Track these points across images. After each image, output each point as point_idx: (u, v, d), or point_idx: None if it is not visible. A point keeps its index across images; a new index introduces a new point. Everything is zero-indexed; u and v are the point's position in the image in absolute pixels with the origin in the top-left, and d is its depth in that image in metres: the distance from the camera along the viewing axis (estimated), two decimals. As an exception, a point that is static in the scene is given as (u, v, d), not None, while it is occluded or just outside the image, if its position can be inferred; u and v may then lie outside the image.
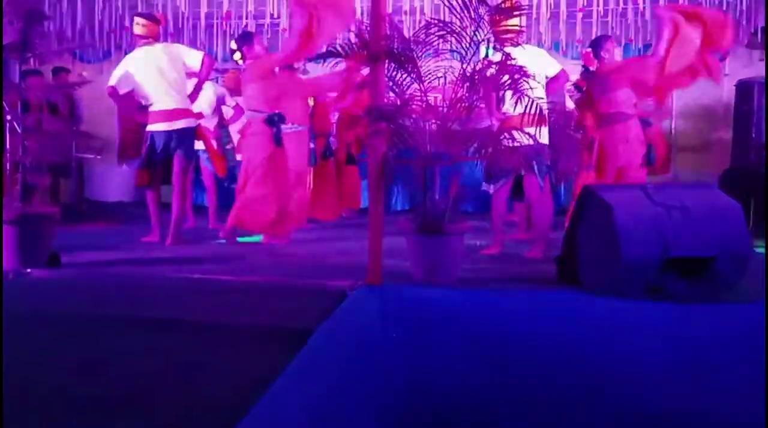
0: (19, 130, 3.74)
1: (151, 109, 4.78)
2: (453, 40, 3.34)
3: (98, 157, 7.18)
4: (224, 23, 8.03)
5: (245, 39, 5.10)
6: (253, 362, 2.05)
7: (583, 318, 2.87)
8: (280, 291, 3.16)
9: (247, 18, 7.52)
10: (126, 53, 6.23)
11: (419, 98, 3.39)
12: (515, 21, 3.55)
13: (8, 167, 3.77)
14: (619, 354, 2.33)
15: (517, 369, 2.17)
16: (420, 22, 7.27)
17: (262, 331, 2.40)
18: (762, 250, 3.93)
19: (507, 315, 2.87)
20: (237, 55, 5.11)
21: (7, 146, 3.77)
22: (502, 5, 3.31)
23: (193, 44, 8.40)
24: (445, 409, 1.88)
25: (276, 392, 1.74)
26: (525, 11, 3.66)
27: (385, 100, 3.35)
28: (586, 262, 3.32)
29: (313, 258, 4.34)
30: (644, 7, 7.19)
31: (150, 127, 4.78)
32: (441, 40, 3.37)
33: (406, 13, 7.14)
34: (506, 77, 3.28)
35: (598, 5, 7.13)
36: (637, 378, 2.11)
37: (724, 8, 7.10)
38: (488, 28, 3.33)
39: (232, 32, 8.25)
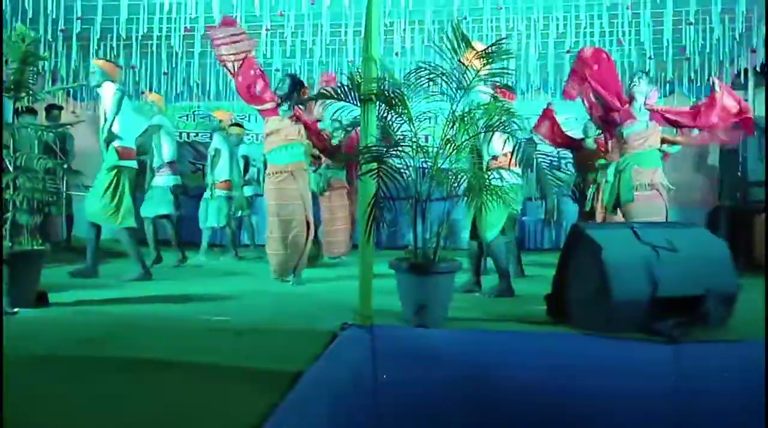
0: (10, 168, 3.75)
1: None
2: (442, 82, 3.40)
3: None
4: (217, 62, 8.13)
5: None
6: (244, 403, 2.03)
7: (573, 357, 2.86)
8: (268, 331, 3.14)
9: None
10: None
11: (410, 138, 3.43)
12: (503, 64, 3.62)
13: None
14: (608, 393, 2.32)
15: (507, 408, 2.15)
16: (411, 63, 7.41)
17: (252, 372, 2.38)
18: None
19: (497, 354, 2.86)
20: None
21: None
22: (489, 49, 3.38)
23: (186, 82, 8.53)
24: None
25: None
26: (512, 55, 3.75)
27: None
28: (576, 301, 3.34)
29: (302, 297, 4.33)
30: (630, 49, 7.35)
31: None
32: (431, 83, 3.43)
33: (397, 54, 7.27)
34: (495, 118, 3.33)
35: (585, 46, 7.28)
36: (627, 417, 2.10)
37: (708, 50, 7.29)
38: (476, 70, 3.39)
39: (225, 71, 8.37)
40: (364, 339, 2.94)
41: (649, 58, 7.33)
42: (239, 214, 7.47)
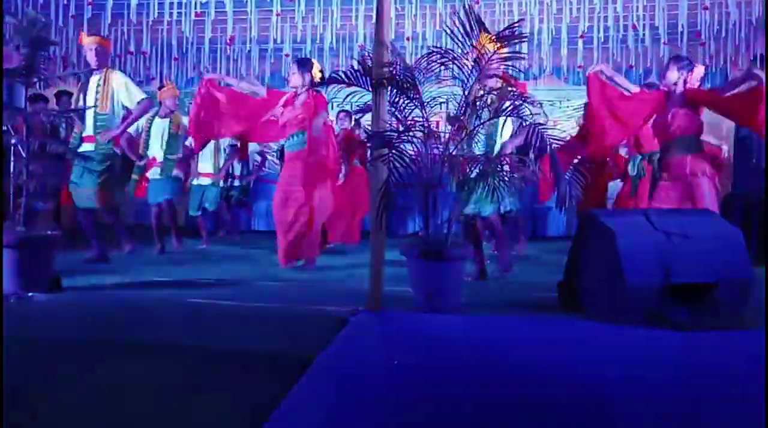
0: (23, 154, 3.77)
1: None
2: (454, 67, 3.37)
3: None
4: (228, 48, 8.13)
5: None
6: (254, 389, 2.04)
7: (585, 344, 2.85)
8: (280, 316, 3.15)
9: (250, 43, 7.62)
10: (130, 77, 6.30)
11: (421, 124, 3.41)
12: (516, 48, 3.58)
13: (11, 191, 3.80)
14: (620, 381, 2.31)
15: (518, 395, 2.15)
16: (422, 48, 7.36)
17: (262, 357, 2.39)
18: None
19: (508, 341, 2.85)
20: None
21: (11, 170, 3.80)
22: (503, 33, 3.34)
23: (197, 68, 8.53)
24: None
25: (279, 419, 1.73)
26: (525, 38, 3.69)
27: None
28: (589, 288, 3.32)
29: (314, 283, 4.34)
30: (644, 34, 7.26)
31: None
32: (442, 67, 3.40)
33: (408, 39, 7.23)
34: (507, 103, 3.30)
35: (598, 32, 7.21)
36: (639, 405, 2.09)
37: (723, 35, 7.19)
38: (489, 55, 3.36)
39: (235, 57, 8.36)
40: (375, 325, 2.94)
41: (664, 43, 7.24)
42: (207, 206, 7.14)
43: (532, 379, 2.29)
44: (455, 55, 3.36)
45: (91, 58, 4.96)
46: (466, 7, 3.45)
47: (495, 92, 3.42)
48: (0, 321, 2.16)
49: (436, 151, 3.44)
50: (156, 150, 6.14)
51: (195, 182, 6.94)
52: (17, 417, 1.79)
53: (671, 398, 2.15)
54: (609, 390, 2.18)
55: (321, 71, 5.09)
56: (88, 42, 4.99)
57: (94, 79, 4.94)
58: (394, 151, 3.14)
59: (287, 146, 5.08)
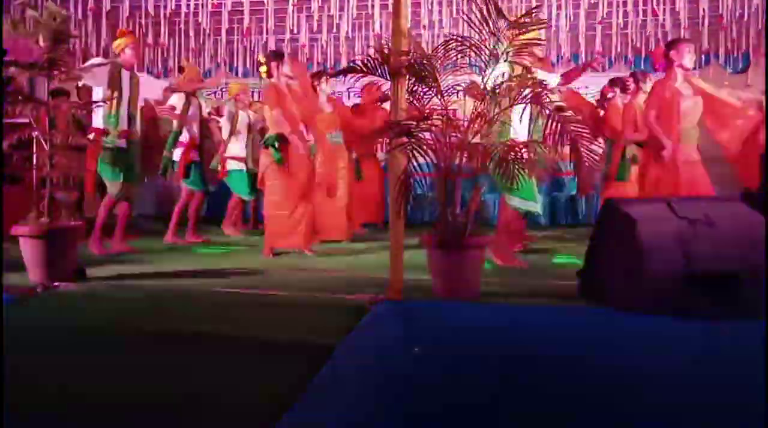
0: (46, 147, 3.82)
1: None
2: (473, 54, 3.35)
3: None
4: (244, 39, 8.15)
5: (278, 57, 5.15)
6: (276, 377, 2.06)
7: (605, 333, 2.84)
8: (300, 305, 3.17)
9: (267, 33, 7.62)
10: (148, 70, 6.37)
11: (439, 112, 3.40)
12: (535, 34, 3.55)
13: (35, 182, 3.86)
14: (641, 370, 2.30)
15: (538, 383, 2.15)
16: (438, 36, 7.32)
17: (284, 345, 2.42)
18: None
19: (528, 329, 2.85)
20: (263, 69, 5.13)
21: (34, 162, 3.86)
22: (522, 19, 3.31)
23: (214, 59, 8.57)
24: (467, 424, 1.87)
25: (301, 407, 1.75)
26: (545, 24, 3.64)
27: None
28: (609, 277, 3.29)
29: (334, 272, 4.36)
30: (664, 19, 7.15)
31: None
32: (461, 55, 3.38)
33: (424, 27, 7.19)
34: (527, 91, 3.27)
35: (617, 17, 7.11)
36: (660, 394, 2.08)
37: (746, 19, 7.06)
38: (508, 41, 3.33)
39: (252, 48, 8.38)
40: (395, 313, 2.95)
41: (685, 28, 7.12)
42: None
43: (552, 368, 2.28)
44: (473, 43, 3.33)
45: (131, 56, 5.04)
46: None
47: (514, 79, 3.39)
48: (0, 322, 2.19)
49: (454, 139, 3.42)
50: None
51: (236, 168, 6.74)
52: (43, 405, 1.83)
53: (693, 388, 2.14)
54: (629, 380, 2.17)
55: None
56: (129, 41, 5.06)
57: (126, 75, 5.01)
58: (413, 140, 3.13)
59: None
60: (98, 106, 4.56)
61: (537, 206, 4.36)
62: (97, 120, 5.00)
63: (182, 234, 6.06)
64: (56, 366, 2.17)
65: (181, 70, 6.17)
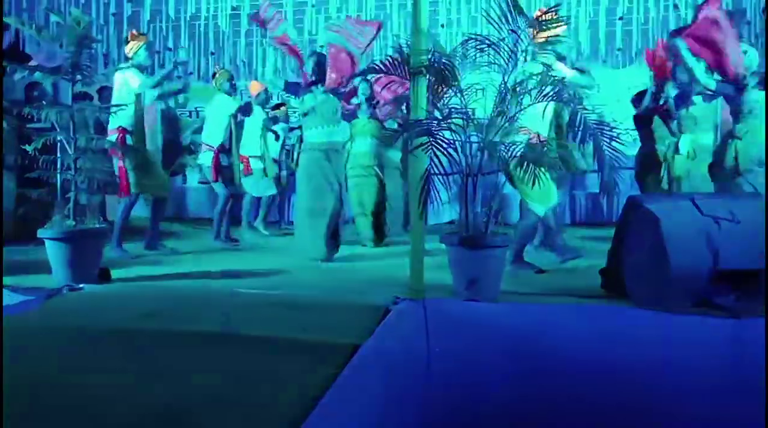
0: (69, 150, 3.87)
1: None
2: (493, 52, 3.34)
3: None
4: (263, 41, 8.19)
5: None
6: (301, 376, 2.07)
7: (629, 331, 2.81)
8: (323, 305, 3.18)
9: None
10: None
11: (460, 111, 3.39)
12: (556, 31, 3.52)
13: (60, 186, 3.92)
14: (666, 368, 2.28)
15: (561, 382, 2.13)
16: (456, 34, 7.30)
17: (308, 345, 2.43)
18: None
19: (551, 328, 2.83)
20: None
21: (58, 166, 3.92)
22: (542, 17, 3.29)
23: (233, 61, 8.62)
24: (488, 423, 1.87)
25: (326, 406, 1.76)
26: (565, 22, 3.61)
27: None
28: (633, 274, 3.27)
29: (355, 273, 4.38)
30: (686, 13, 7.05)
31: None
32: (482, 54, 3.37)
33: (443, 26, 7.17)
34: (548, 89, 3.25)
35: (638, 13, 7.03)
36: (685, 393, 2.05)
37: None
38: (528, 39, 3.32)
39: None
40: (417, 313, 2.95)
41: (707, 22, 7.01)
42: None
43: (575, 368, 2.27)
44: (494, 42, 3.32)
45: (146, 58, 5.10)
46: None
47: (536, 77, 3.37)
48: (0, 322, 2.22)
49: (475, 139, 3.42)
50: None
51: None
52: (70, 402, 1.85)
53: (719, 384, 2.12)
54: (655, 377, 2.15)
55: None
56: (141, 42, 5.08)
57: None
58: (434, 140, 3.13)
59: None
60: (120, 109, 4.60)
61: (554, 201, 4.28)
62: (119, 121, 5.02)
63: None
64: (80, 368, 2.20)
65: (213, 75, 6.21)
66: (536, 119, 3.71)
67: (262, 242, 6.27)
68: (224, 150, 6.01)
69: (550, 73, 3.37)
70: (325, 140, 4.80)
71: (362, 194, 5.79)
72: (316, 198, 4.74)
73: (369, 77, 5.36)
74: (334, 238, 4.82)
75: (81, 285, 3.56)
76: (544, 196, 4.04)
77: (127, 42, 5.14)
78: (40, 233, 3.72)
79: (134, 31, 5.33)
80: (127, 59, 5.11)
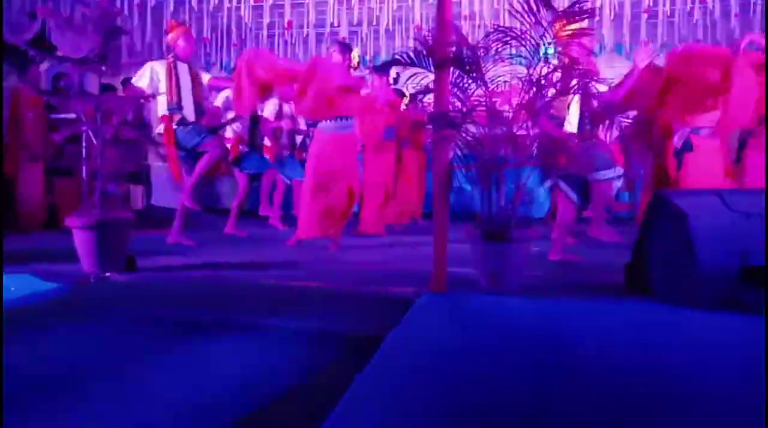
0: (94, 141, 3.92)
1: None
2: (519, 45, 3.31)
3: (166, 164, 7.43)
4: (286, 32, 8.21)
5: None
6: (326, 369, 2.08)
7: (654, 329, 2.78)
8: (347, 297, 3.19)
9: (307, 27, 7.67)
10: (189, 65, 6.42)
11: (483, 103, 3.37)
12: (583, 24, 3.48)
13: (87, 175, 3.97)
14: (693, 368, 2.25)
15: (583, 379, 2.12)
16: (479, 26, 7.25)
17: (331, 337, 2.44)
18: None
19: (574, 324, 2.81)
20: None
21: (84, 156, 3.97)
22: (568, 9, 3.25)
23: (255, 53, 8.65)
24: (510, 418, 1.86)
25: (351, 399, 1.77)
26: (591, 14, 3.56)
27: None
28: (658, 271, 3.23)
29: (378, 264, 4.38)
30: (713, 6, 6.93)
31: None
32: (507, 46, 3.34)
33: (465, 18, 7.13)
34: (574, 81, 3.22)
35: (664, 5, 6.92)
36: (713, 394, 2.03)
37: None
38: (553, 32, 3.28)
39: (293, 41, 8.44)
40: (440, 307, 2.95)
41: (735, 15, 6.89)
42: None
43: (599, 365, 2.26)
44: (519, 34, 3.29)
45: (185, 47, 5.10)
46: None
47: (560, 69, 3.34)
48: (0, 322, 2.26)
49: (499, 131, 3.39)
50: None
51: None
52: (96, 391, 1.89)
53: (747, 386, 2.09)
54: (682, 377, 2.13)
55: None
56: (180, 32, 5.12)
57: (184, 67, 5.09)
58: (457, 132, 3.11)
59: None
60: (147, 101, 4.64)
61: (617, 171, 4.28)
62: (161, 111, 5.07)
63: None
64: (105, 355, 2.23)
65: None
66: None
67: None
68: (241, 141, 6.08)
69: (576, 66, 3.33)
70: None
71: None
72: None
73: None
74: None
75: (107, 274, 3.61)
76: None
77: (167, 33, 5.18)
78: (68, 221, 3.78)
79: (173, 21, 5.37)
80: (169, 49, 5.15)
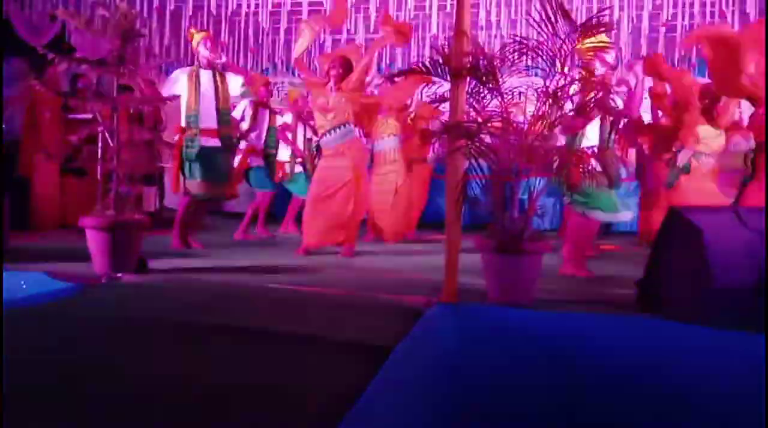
0: (111, 142, 3.95)
1: None
2: (537, 57, 3.30)
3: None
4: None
5: None
6: (336, 377, 2.07)
7: (666, 346, 2.75)
8: (358, 305, 3.19)
9: (324, 33, 7.69)
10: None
11: (499, 114, 3.36)
12: (603, 38, 3.46)
13: (102, 176, 4.00)
14: (703, 384, 2.22)
15: (593, 394, 2.10)
16: (496, 36, 7.25)
17: (342, 345, 2.43)
18: None
19: (585, 338, 2.79)
20: None
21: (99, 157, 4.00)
22: (588, 22, 3.24)
23: (271, 59, 8.70)
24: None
25: (361, 410, 1.76)
26: (611, 28, 3.53)
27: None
28: (671, 288, 3.19)
29: (389, 272, 4.37)
30: (732, 22, 6.88)
31: None
32: (525, 57, 3.33)
33: (481, 28, 7.12)
34: (591, 94, 3.20)
35: (683, 19, 6.89)
36: (724, 411, 2.00)
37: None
38: (572, 44, 3.27)
39: (309, 47, 8.47)
40: (451, 317, 2.94)
41: (755, 30, 6.83)
42: None
43: (609, 380, 2.23)
44: (537, 45, 3.28)
45: (206, 54, 5.06)
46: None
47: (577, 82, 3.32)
48: (0, 323, 2.26)
49: (514, 142, 3.38)
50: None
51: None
52: (105, 389, 1.89)
53: (760, 404, 2.06)
54: (692, 394, 2.10)
55: None
56: (201, 37, 5.12)
57: (207, 73, 5.04)
58: (473, 143, 3.10)
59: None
60: (163, 103, 4.67)
61: (625, 215, 4.27)
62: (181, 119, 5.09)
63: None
64: (116, 357, 2.23)
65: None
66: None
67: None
68: (253, 152, 6.13)
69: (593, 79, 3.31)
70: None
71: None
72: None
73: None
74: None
75: (119, 275, 3.63)
76: (603, 204, 4.08)
77: (189, 40, 5.22)
78: (82, 222, 3.80)
79: (192, 29, 5.42)
80: (194, 57, 5.17)
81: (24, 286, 3.16)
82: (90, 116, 4.74)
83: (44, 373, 2.00)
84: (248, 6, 6.88)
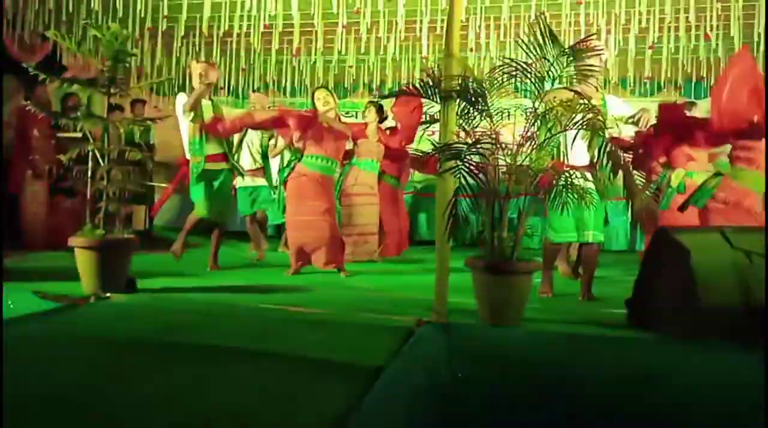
0: (100, 162, 3.95)
1: None
2: (526, 79, 3.35)
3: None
4: (293, 59, 8.30)
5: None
6: (326, 397, 2.06)
7: (655, 364, 2.76)
8: (348, 324, 3.18)
9: (315, 54, 7.76)
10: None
11: (489, 135, 3.40)
12: (592, 62, 3.51)
13: (91, 196, 3.99)
14: (693, 401, 2.23)
15: (584, 414, 2.10)
16: (485, 58, 7.33)
17: (331, 365, 2.42)
18: None
19: (575, 357, 2.80)
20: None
21: (89, 176, 3.99)
22: (577, 46, 3.29)
23: (263, 78, 8.74)
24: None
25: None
26: (600, 52, 3.59)
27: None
28: (660, 307, 3.22)
29: (379, 292, 4.37)
30: (717, 44, 7.00)
31: None
32: (514, 79, 3.38)
33: (471, 50, 7.20)
34: (579, 116, 3.25)
35: (669, 42, 7.00)
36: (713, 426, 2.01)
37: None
38: (561, 67, 3.32)
39: (300, 68, 8.53)
40: (440, 337, 2.94)
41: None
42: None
43: (599, 399, 2.24)
44: (525, 67, 3.33)
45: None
46: (538, 17, 3.42)
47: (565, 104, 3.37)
48: (0, 325, 2.24)
49: (503, 163, 3.41)
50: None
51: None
52: (92, 410, 1.87)
53: (749, 423, 2.07)
54: (682, 412, 2.11)
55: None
56: (198, 68, 5.13)
57: (207, 105, 5.09)
58: (463, 163, 3.13)
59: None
60: (153, 122, 4.68)
61: (571, 236, 4.31)
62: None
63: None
64: (103, 377, 2.21)
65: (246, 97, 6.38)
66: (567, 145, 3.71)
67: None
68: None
69: (582, 101, 3.36)
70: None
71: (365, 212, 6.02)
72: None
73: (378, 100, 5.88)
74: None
75: (107, 294, 3.60)
76: (555, 223, 4.14)
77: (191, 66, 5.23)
78: (71, 241, 3.78)
79: (192, 61, 5.51)
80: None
81: (11, 306, 3.13)
82: (80, 135, 4.75)
83: (30, 393, 1.98)
84: (240, 27, 6.92)
